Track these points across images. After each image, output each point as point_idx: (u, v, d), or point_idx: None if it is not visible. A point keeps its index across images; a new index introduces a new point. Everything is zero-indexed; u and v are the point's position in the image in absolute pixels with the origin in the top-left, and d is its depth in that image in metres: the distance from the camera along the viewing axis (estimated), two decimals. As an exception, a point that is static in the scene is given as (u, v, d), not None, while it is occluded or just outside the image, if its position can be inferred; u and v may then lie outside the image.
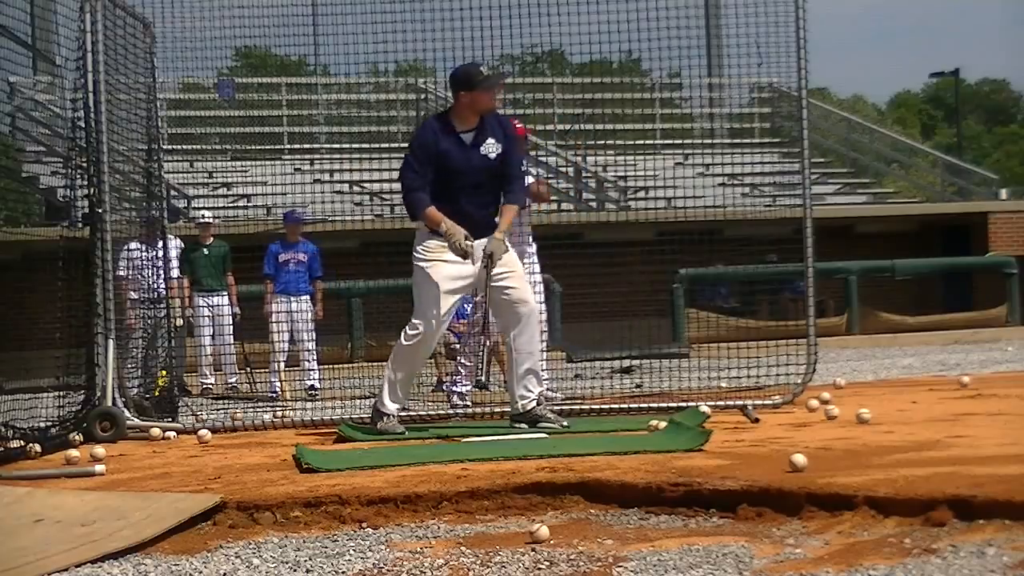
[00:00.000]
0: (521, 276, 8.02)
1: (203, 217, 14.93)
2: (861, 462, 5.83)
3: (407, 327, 7.91)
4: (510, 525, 5.33)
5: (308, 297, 13.87)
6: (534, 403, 7.96)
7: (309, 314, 13.76)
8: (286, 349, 13.66)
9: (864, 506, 4.92)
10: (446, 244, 7.79)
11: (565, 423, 7.94)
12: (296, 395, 13.09)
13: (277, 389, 13.37)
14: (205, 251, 14.36)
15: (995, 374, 12.25)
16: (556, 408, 8.63)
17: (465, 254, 7.74)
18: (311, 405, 11.12)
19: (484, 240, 7.83)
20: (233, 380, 14.25)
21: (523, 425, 7.89)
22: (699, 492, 5.36)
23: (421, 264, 7.88)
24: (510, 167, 8.00)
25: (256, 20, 11.09)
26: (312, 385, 13.38)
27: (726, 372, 10.63)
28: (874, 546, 4.56)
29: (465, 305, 13.03)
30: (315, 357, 13.68)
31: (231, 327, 14.40)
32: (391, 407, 8.00)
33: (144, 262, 10.77)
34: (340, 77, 23.92)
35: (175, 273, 12.48)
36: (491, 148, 7.92)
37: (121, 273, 10.37)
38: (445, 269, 7.80)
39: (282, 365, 13.56)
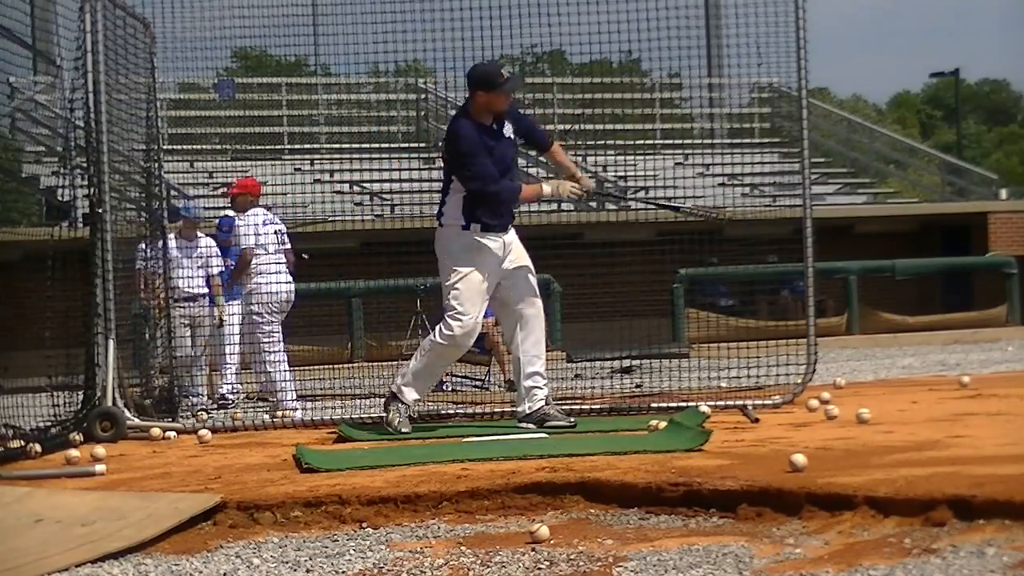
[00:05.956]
0: (533, 273, 8.07)
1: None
2: (861, 462, 5.83)
3: (442, 326, 7.93)
4: (510, 525, 5.33)
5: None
6: (541, 403, 7.97)
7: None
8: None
9: (864, 506, 4.92)
10: (487, 237, 7.88)
11: (572, 420, 7.98)
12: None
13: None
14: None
15: (995, 374, 12.24)
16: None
17: (581, 191, 8.07)
18: (311, 405, 11.09)
19: (510, 233, 8.05)
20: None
21: (530, 425, 7.90)
22: (699, 492, 5.36)
23: (459, 261, 7.89)
24: (529, 124, 8.26)
25: (256, 20, 11.07)
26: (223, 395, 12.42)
27: (726, 372, 10.63)
28: (874, 546, 4.56)
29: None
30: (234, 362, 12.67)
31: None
32: (411, 397, 7.99)
33: (182, 260, 10.97)
34: (340, 77, 23.94)
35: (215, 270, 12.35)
36: (510, 130, 8.07)
37: (139, 266, 10.41)
38: (484, 265, 7.88)
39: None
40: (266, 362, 10.62)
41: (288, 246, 11.24)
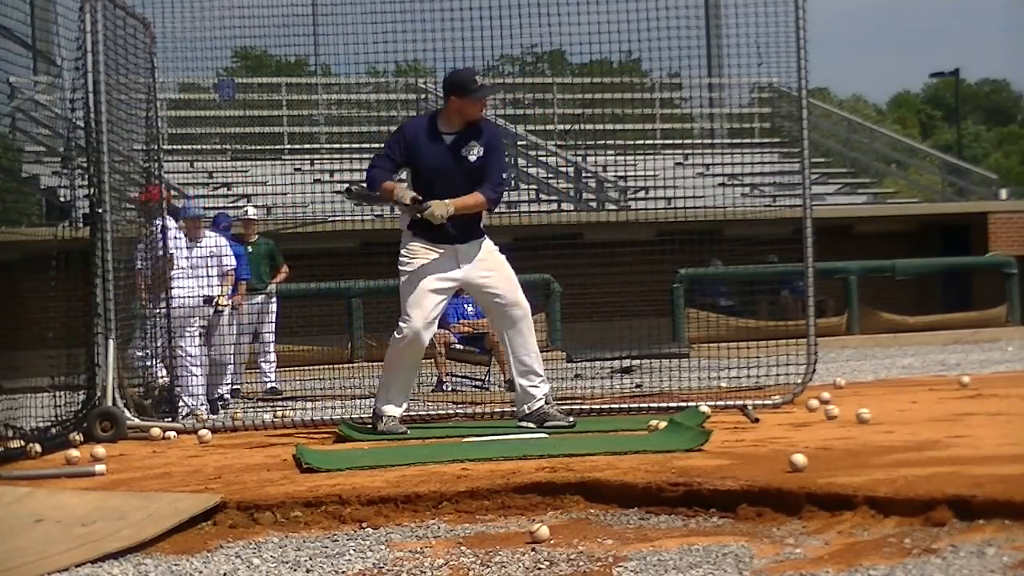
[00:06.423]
0: (508, 278, 8.04)
1: (246, 213, 14.52)
2: (861, 462, 5.83)
3: (395, 330, 7.98)
4: (510, 525, 5.33)
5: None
6: (540, 402, 7.97)
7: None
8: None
9: (864, 506, 4.92)
10: (430, 246, 7.89)
11: (572, 419, 7.97)
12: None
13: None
14: (249, 248, 13.63)
15: (995, 374, 12.25)
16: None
17: (419, 210, 7.77)
18: (311, 405, 11.09)
19: (466, 245, 7.93)
20: (273, 381, 13.79)
21: (530, 425, 7.90)
22: (699, 492, 5.36)
23: (405, 266, 7.98)
24: (489, 169, 7.97)
25: (256, 20, 11.08)
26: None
27: (726, 372, 10.63)
28: (874, 546, 4.56)
29: (465, 306, 13.09)
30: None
31: (273, 326, 14.09)
32: (387, 410, 8.03)
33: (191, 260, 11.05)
34: (340, 77, 23.93)
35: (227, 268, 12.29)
36: (473, 151, 7.93)
37: (139, 266, 10.43)
38: (428, 269, 7.88)
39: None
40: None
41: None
